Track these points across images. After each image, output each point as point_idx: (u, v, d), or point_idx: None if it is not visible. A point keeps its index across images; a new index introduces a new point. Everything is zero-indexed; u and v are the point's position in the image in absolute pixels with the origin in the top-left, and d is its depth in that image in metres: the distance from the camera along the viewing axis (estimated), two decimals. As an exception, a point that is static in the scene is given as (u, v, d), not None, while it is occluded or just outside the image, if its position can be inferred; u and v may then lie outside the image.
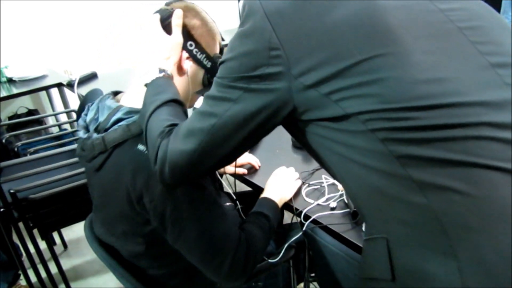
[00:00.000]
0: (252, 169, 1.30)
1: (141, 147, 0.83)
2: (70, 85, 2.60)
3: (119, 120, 0.87)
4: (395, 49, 0.56)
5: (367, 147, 0.58)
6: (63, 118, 3.19)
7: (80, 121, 0.97)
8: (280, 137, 1.48)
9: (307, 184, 1.17)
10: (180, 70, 0.93)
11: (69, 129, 2.76)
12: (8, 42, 3.05)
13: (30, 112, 3.24)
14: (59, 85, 2.75)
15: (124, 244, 0.98)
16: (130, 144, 0.85)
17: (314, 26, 0.60)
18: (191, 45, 0.92)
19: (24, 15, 3.11)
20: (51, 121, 3.38)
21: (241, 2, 0.71)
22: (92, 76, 2.76)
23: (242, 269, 0.89)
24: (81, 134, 0.94)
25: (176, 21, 0.89)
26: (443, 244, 0.54)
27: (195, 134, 0.67)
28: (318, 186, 1.15)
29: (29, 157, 1.83)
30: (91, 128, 0.92)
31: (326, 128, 0.62)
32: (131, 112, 0.87)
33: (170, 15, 0.90)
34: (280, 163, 1.29)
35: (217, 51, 0.98)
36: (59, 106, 3.16)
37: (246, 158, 1.32)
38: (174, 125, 0.73)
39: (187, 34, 0.91)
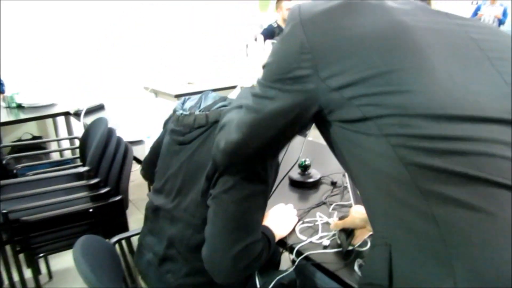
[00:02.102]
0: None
1: None
2: (77, 114, 2.66)
3: (223, 106, 1.02)
4: (419, 65, 0.59)
5: (379, 151, 0.60)
6: (66, 145, 3.22)
7: (178, 106, 1.13)
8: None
9: (301, 221, 1.16)
10: None
11: (70, 156, 2.78)
12: (24, 70, 3.16)
13: (35, 139, 3.28)
14: (66, 114, 2.81)
15: (194, 211, 1.01)
16: None
17: (344, 35, 0.64)
18: None
19: (40, 46, 3.24)
20: (53, 148, 3.41)
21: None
22: (99, 107, 2.83)
23: (246, 263, 0.90)
24: (179, 113, 1.08)
25: None
26: (441, 255, 0.54)
27: (241, 126, 0.76)
28: (312, 224, 1.14)
29: (25, 178, 1.83)
30: (194, 110, 1.06)
31: (346, 130, 0.66)
32: None
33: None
34: (276, 200, 1.29)
35: None
36: (63, 134, 3.20)
37: None
38: None
39: None
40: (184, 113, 1.07)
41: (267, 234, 1.03)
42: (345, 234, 1.02)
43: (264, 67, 0.76)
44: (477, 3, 7.12)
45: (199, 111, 1.05)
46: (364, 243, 1.12)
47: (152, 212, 1.13)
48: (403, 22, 0.64)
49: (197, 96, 1.13)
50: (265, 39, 3.69)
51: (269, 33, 3.91)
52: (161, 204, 1.09)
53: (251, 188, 0.92)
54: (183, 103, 1.14)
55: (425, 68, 0.59)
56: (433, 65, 0.60)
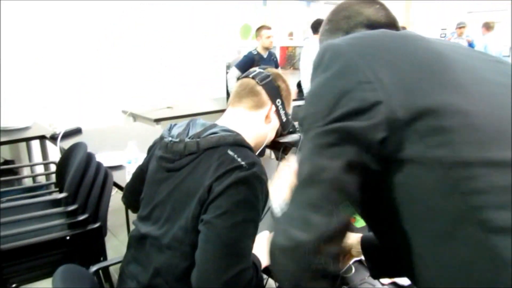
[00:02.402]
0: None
1: (231, 152, 0.97)
2: (53, 138, 2.60)
3: (215, 133, 1.02)
4: (468, 101, 0.58)
5: (445, 189, 0.55)
6: (40, 170, 3.12)
7: (165, 133, 1.12)
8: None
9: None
10: (267, 119, 1.16)
11: (44, 182, 2.69)
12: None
13: (7, 163, 3.16)
14: (41, 138, 2.74)
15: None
16: (222, 149, 0.98)
17: (402, 63, 0.62)
18: (278, 102, 1.17)
19: (16, 66, 3.19)
20: (26, 173, 3.30)
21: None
22: (77, 131, 2.78)
23: None
24: (167, 140, 1.08)
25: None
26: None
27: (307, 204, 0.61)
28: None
29: (2, 205, 1.76)
30: (183, 137, 1.05)
31: (412, 170, 0.58)
32: (226, 130, 1.04)
33: (268, 76, 1.16)
34: (263, 227, 1.29)
35: (290, 111, 1.23)
36: (37, 158, 3.11)
37: None
38: None
39: (279, 93, 1.17)
40: (174, 140, 1.07)
41: (255, 261, 1.03)
42: None
43: (303, 119, 0.67)
44: (445, 35, 7.51)
45: (189, 138, 1.04)
46: (349, 269, 1.13)
47: (137, 240, 1.11)
48: (447, 56, 0.64)
49: (184, 123, 1.13)
50: (245, 65, 3.80)
51: (249, 59, 3.99)
52: (148, 231, 1.07)
53: (243, 214, 0.92)
54: (169, 130, 1.13)
55: (475, 106, 0.58)
56: (478, 103, 0.58)
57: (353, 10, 0.88)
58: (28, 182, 3.24)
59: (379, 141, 0.58)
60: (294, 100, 5.39)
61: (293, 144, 1.25)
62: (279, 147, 1.26)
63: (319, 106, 0.64)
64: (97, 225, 1.70)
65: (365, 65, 0.62)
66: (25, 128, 2.86)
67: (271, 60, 4.11)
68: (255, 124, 1.14)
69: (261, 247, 1.12)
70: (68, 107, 3.48)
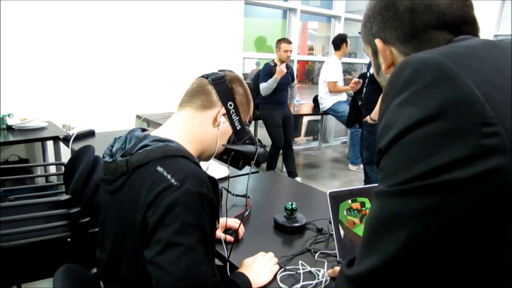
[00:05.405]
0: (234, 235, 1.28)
1: (160, 168, 0.88)
2: (66, 139, 2.63)
3: (145, 146, 0.94)
4: None
5: None
6: (53, 170, 3.17)
7: (106, 150, 1.03)
8: (262, 216, 1.47)
9: (283, 269, 1.12)
10: (215, 122, 1.06)
11: (55, 182, 2.72)
12: (16, 91, 3.16)
13: (21, 161, 3.22)
14: (55, 138, 2.78)
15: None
16: (151, 165, 0.90)
17: None
18: (230, 105, 1.07)
19: (34, 68, 3.26)
20: (39, 172, 3.35)
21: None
22: (90, 134, 2.81)
23: None
24: (106, 159, 0.99)
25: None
26: None
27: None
28: (294, 273, 1.10)
29: (4, 204, 1.78)
30: (117, 155, 0.97)
31: None
32: (157, 140, 0.95)
33: (222, 77, 1.08)
34: (259, 243, 1.26)
35: (247, 120, 1.14)
36: (51, 159, 3.16)
37: (234, 223, 1.31)
38: None
39: (232, 96, 1.07)
40: (107, 160, 0.99)
41: (238, 281, 0.99)
42: None
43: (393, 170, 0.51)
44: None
45: (121, 156, 0.96)
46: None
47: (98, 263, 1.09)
48: None
49: (123, 136, 1.04)
50: (266, 77, 3.85)
51: (267, 71, 4.00)
52: (100, 258, 1.05)
53: (187, 241, 0.83)
54: (112, 145, 1.04)
55: None
56: None
57: (419, 1, 0.64)
58: (41, 181, 3.30)
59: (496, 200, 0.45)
60: (308, 114, 5.41)
61: (245, 155, 1.12)
62: (228, 154, 1.14)
63: (414, 151, 0.49)
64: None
65: (484, 97, 0.46)
66: (41, 129, 2.91)
67: (287, 73, 4.09)
68: (201, 126, 1.04)
69: (254, 267, 1.08)
70: (84, 110, 3.53)
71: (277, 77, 3.86)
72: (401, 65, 0.54)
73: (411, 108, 0.49)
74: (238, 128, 1.10)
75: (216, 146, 1.08)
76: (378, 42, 0.71)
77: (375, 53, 0.74)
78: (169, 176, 0.86)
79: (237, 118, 1.09)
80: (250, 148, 1.13)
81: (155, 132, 1.03)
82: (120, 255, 0.96)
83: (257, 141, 1.17)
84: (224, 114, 1.06)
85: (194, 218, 0.85)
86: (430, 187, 0.46)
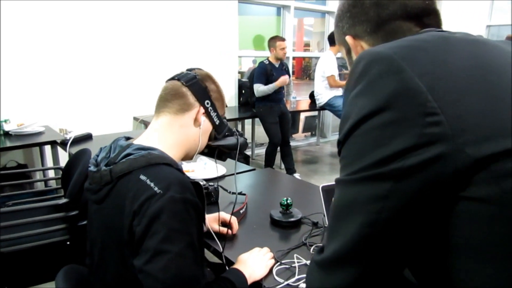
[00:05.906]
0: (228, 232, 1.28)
1: (143, 177, 0.89)
2: (63, 143, 2.64)
3: (128, 154, 0.94)
4: None
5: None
6: (51, 174, 3.18)
7: (92, 160, 1.04)
8: (259, 213, 1.48)
9: (279, 263, 1.14)
10: (196, 122, 1.08)
11: (54, 186, 2.73)
12: (12, 97, 3.16)
13: (20, 167, 3.23)
14: (52, 143, 2.79)
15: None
16: (134, 174, 0.90)
17: (473, 87, 0.49)
18: (207, 103, 1.10)
19: (30, 73, 3.27)
20: (38, 176, 3.37)
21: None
22: (87, 137, 2.81)
23: None
24: (91, 168, 1.00)
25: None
26: None
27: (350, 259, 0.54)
28: (290, 266, 1.12)
29: (2, 209, 1.79)
30: (102, 164, 0.98)
31: (477, 208, 0.48)
32: (140, 148, 0.96)
33: (194, 77, 1.09)
34: (256, 239, 1.27)
35: (224, 113, 1.17)
36: (49, 163, 3.17)
37: (227, 216, 1.31)
38: None
39: (207, 94, 1.10)
40: (92, 169, 0.99)
41: (232, 278, 1.00)
42: None
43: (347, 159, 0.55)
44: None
45: (106, 165, 0.97)
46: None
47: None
48: None
49: (108, 146, 1.05)
50: (262, 76, 3.89)
51: (262, 70, 4.01)
52: (89, 266, 1.06)
53: (175, 247, 0.84)
54: (98, 155, 1.05)
55: None
56: None
57: None
58: (40, 186, 3.31)
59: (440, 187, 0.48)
60: (305, 110, 5.43)
61: (229, 148, 1.18)
62: (213, 152, 1.20)
63: (364, 140, 0.52)
64: (97, 231, 1.71)
65: (427, 88, 0.48)
66: (38, 133, 2.92)
67: (283, 70, 4.10)
68: (183, 129, 1.06)
69: (249, 263, 1.10)
70: (81, 113, 3.54)
71: (277, 85, 3.91)
72: (357, 59, 0.56)
73: (363, 100, 0.52)
74: (217, 123, 1.14)
75: (199, 145, 1.12)
76: (348, 38, 0.74)
77: (349, 52, 0.77)
78: (152, 185, 0.87)
79: (215, 114, 1.13)
80: (232, 140, 1.19)
81: (138, 141, 1.03)
82: (108, 263, 0.97)
83: (236, 131, 1.22)
84: (203, 113, 1.10)
85: (180, 225, 0.86)
86: (380, 175, 0.50)
